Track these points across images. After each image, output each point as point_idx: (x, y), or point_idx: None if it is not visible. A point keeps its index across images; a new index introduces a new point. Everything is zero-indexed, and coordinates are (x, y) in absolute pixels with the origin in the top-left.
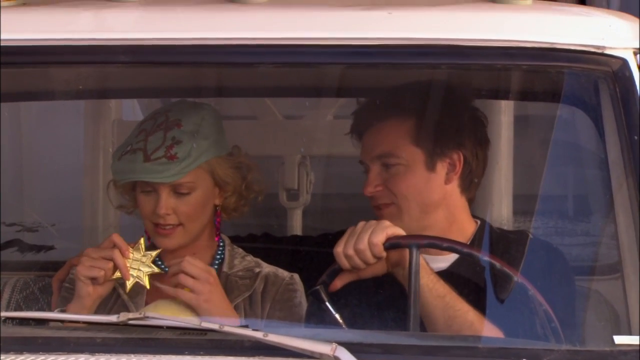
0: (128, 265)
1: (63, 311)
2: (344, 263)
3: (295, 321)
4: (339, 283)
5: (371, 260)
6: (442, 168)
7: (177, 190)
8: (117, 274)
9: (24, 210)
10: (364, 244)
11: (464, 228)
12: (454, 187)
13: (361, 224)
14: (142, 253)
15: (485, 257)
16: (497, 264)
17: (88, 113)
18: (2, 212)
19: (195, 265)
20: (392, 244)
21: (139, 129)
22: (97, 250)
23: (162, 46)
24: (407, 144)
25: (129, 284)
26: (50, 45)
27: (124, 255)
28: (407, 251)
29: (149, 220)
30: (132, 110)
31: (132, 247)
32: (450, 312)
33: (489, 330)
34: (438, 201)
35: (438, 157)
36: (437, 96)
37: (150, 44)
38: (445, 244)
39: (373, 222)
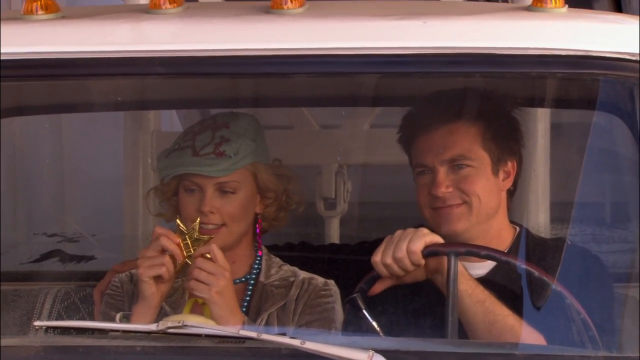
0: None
1: (128, 316)
2: (383, 271)
3: (326, 326)
4: (378, 288)
5: (410, 268)
6: (501, 174)
7: (222, 189)
8: (178, 263)
9: (65, 221)
10: (403, 252)
11: (506, 235)
12: (504, 195)
13: (399, 232)
14: (185, 232)
15: (522, 265)
16: (535, 272)
17: (127, 124)
18: (44, 222)
19: (209, 262)
20: (430, 252)
21: (186, 132)
22: (149, 249)
23: (200, 57)
24: (478, 147)
25: (179, 264)
26: (89, 58)
27: (172, 240)
28: (445, 258)
29: (191, 222)
30: (171, 121)
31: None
32: (491, 317)
33: (529, 334)
34: (497, 207)
35: (500, 163)
36: (499, 103)
37: (188, 55)
38: (483, 252)
39: (411, 230)
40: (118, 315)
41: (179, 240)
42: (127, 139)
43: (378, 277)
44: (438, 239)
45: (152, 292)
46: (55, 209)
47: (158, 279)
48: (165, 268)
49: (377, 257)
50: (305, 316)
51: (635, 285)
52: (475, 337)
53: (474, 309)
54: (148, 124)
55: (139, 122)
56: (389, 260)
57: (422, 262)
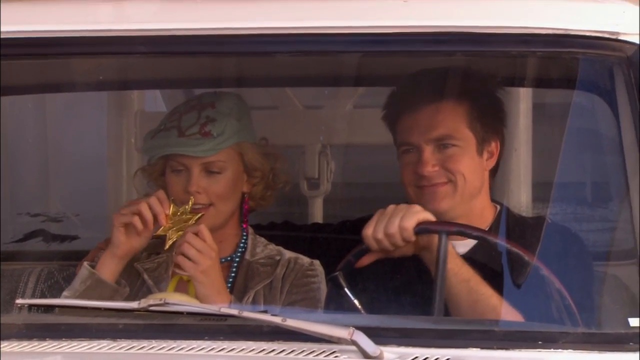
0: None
1: (94, 265)
2: (373, 245)
3: (313, 305)
4: (365, 261)
5: (400, 244)
6: (485, 154)
7: (208, 169)
8: (158, 232)
9: (49, 201)
10: (395, 228)
11: (487, 214)
12: (487, 174)
13: (391, 207)
14: (177, 211)
15: (513, 247)
16: (522, 253)
17: (111, 104)
18: (28, 202)
19: (199, 239)
20: (422, 229)
21: (172, 112)
22: (134, 201)
23: (182, 36)
24: (464, 127)
25: (169, 241)
26: (70, 37)
27: (162, 204)
28: (435, 236)
29: (180, 202)
30: (154, 101)
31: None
32: (474, 296)
33: (511, 314)
34: (480, 186)
35: (485, 143)
36: (485, 82)
37: (170, 34)
38: (474, 233)
39: (403, 206)
40: (85, 263)
41: (168, 208)
42: (111, 119)
43: (366, 251)
44: (430, 217)
45: (120, 241)
46: (38, 189)
47: (130, 229)
48: (138, 219)
49: (368, 231)
50: (292, 295)
51: (616, 263)
52: (457, 315)
53: (458, 287)
54: (132, 104)
55: (123, 102)
56: (380, 235)
57: (413, 238)
